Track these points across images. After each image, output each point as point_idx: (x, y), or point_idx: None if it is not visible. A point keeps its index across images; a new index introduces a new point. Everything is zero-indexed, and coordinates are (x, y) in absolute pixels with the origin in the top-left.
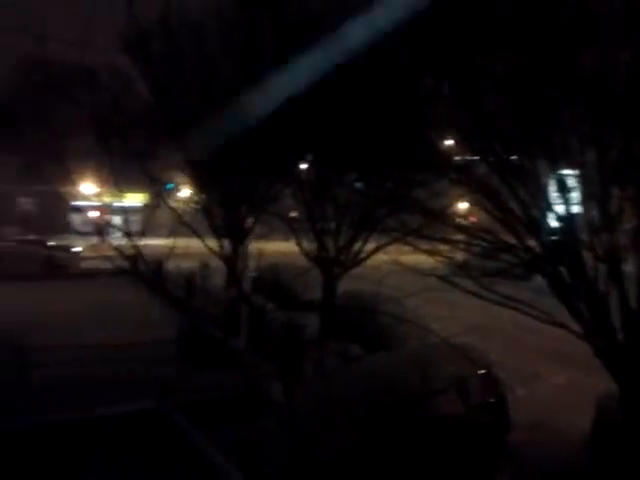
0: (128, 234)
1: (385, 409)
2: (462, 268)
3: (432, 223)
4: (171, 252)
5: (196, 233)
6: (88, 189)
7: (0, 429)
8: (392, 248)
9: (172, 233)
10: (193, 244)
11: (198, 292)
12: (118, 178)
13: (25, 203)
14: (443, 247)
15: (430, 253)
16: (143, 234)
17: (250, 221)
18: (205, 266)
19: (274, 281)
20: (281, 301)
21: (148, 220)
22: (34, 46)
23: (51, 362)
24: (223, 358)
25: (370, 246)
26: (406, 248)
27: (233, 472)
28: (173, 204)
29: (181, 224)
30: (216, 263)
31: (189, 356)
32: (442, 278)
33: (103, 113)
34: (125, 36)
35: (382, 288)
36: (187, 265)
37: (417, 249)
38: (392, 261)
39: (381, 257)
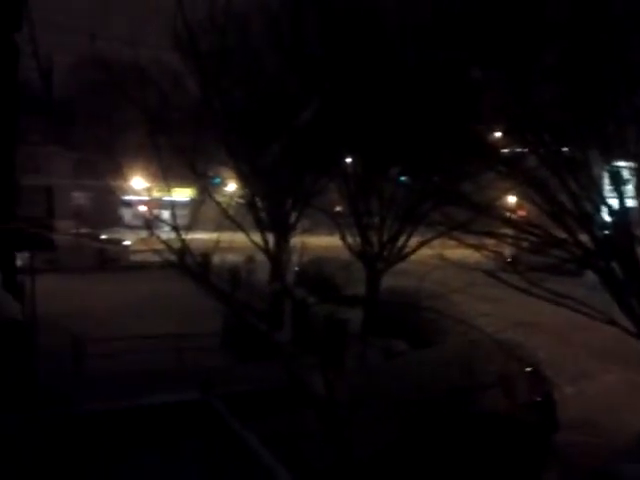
0: (176, 228)
1: (428, 405)
2: (509, 263)
3: (478, 217)
4: (217, 246)
5: (241, 227)
6: (138, 184)
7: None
8: (437, 243)
9: (218, 227)
10: (238, 238)
11: (243, 285)
12: (167, 173)
13: (79, 197)
14: (490, 242)
15: (476, 248)
16: (190, 228)
17: (294, 215)
18: (250, 260)
19: (317, 275)
20: (323, 295)
21: (195, 214)
22: (90, 45)
23: (103, 353)
24: (266, 351)
25: (414, 241)
26: (451, 243)
27: (277, 466)
28: (219, 199)
29: (227, 218)
30: (261, 257)
31: (233, 348)
32: (488, 273)
33: (153, 109)
34: (175, 32)
35: (426, 283)
36: (232, 259)
37: (463, 243)
38: (437, 256)
39: (425, 252)
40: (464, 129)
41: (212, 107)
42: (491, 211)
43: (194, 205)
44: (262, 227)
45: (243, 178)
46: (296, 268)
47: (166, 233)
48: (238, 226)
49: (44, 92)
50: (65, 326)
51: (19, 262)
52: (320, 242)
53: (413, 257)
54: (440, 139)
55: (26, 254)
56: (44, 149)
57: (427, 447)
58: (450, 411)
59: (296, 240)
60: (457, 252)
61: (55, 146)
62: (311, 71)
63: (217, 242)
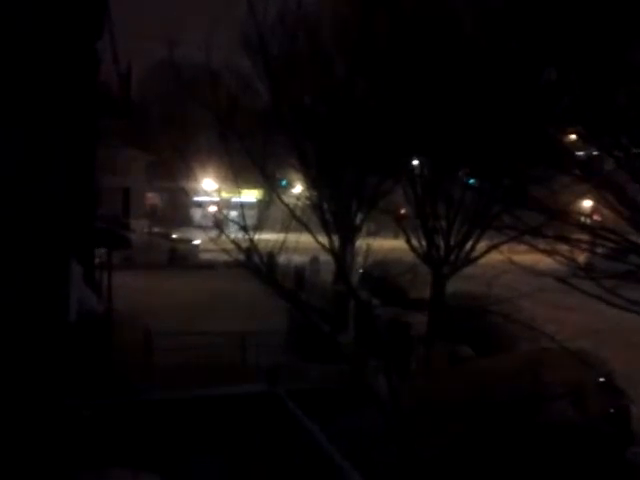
0: (245, 228)
1: (494, 412)
2: (584, 270)
3: (551, 221)
4: (283, 246)
5: (307, 228)
6: (208, 185)
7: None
8: (506, 247)
9: (284, 228)
10: (303, 239)
11: (307, 285)
12: (236, 175)
13: (152, 198)
14: (563, 247)
15: (549, 253)
16: (259, 228)
17: (359, 218)
18: (315, 261)
19: (381, 278)
20: (387, 298)
21: (263, 215)
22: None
23: (171, 347)
24: (330, 351)
25: (482, 245)
26: (521, 247)
27: (342, 460)
28: (286, 200)
29: (294, 219)
30: (325, 258)
31: (297, 347)
32: (560, 279)
33: (224, 112)
34: (245, 36)
35: (493, 288)
36: (297, 259)
37: (535, 248)
38: (505, 260)
39: (494, 257)
40: (537, 131)
41: (281, 110)
42: (565, 215)
43: (262, 206)
44: (327, 229)
45: (310, 180)
46: (360, 270)
47: (234, 233)
48: (305, 227)
49: (122, 96)
50: (137, 320)
51: (96, 259)
52: (384, 245)
53: (480, 261)
54: (512, 141)
55: (103, 251)
56: (121, 151)
57: (490, 454)
58: (517, 419)
59: (360, 242)
60: (527, 257)
61: (131, 148)
62: (380, 73)
63: (283, 242)
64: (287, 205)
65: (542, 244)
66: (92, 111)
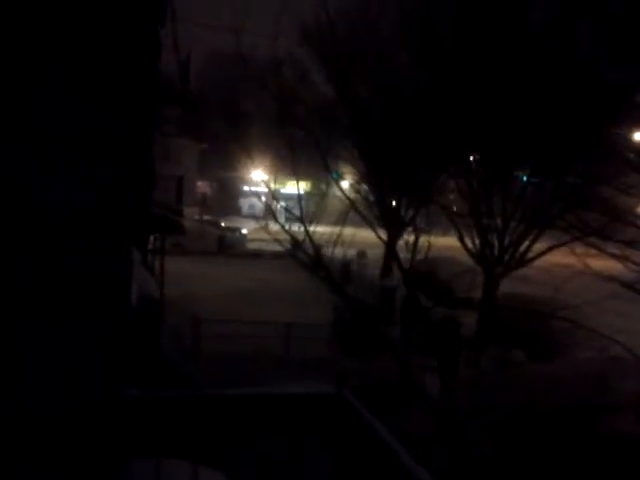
0: (300, 219)
1: (548, 419)
2: None
3: (616, 223)
4: (329, 238)
5: (367, 220)
6: (258, 176)
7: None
8: (564, 250)
9: (337, 220)
10: (349, 232)
11: (354, 279)
12: (288, 166)
13: (203, 186)
14: (632, 252)
15: (617, 257)
16: (313, 220)
17: (410, 213)
18: (362, 254)
19: (428, 275)
20: (435, 295)
21: (318, 207)
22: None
23: (218, 334)
24: (374, 346)
25: (538, 246)
26: (580, 250)
27: (415, 466)
28: (335, 193)
29: (348, 212)
30: (372, 252)
31: (342, 340)
32: (627, 285)
33: (284, 103)
34: (306, 28)
35: (549, 291)
36: (344, 252)
37: (601, 251)
38: (562, 264)
39: (550, 258)
40: (605, 128)
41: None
42: (632, 217)
43: (318, 198)
44: (377, 222)
45: (362, 173)
46: (406, 266)
47: (281, 224)
48: (363, 218)
49: (181, 84)
50: (186, 306)
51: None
52: (433, 242)
53: (535, 264)
54: (576, 138)
55: (155, 236)
56: (175, 139)
57: (545, 462)
58: (577, 428)
59: (408, 238)
60: (596, 262)
61: (184, 137)
62: (443, 66)
63: (339, 235)
64: (349, 198)
65: (609, 247)
66: (153, 97)
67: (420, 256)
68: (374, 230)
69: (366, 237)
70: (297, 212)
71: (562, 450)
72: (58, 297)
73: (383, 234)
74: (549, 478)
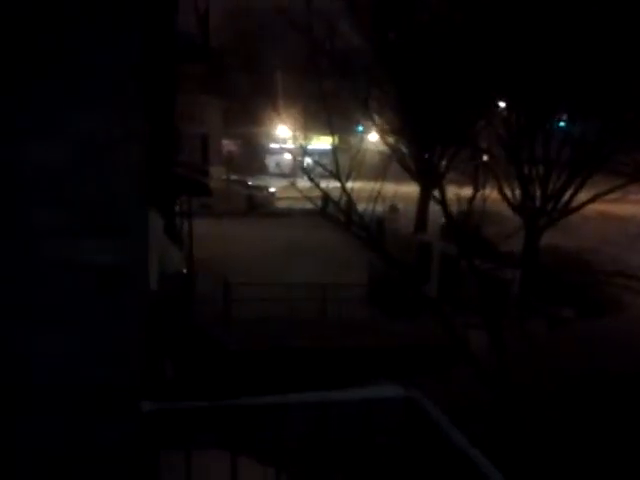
0: (336, 176)
1: (603, 382)
2: None
3: None
4: (362, 194)
5: (410, 171)
6: (283, 132)
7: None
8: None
9: (366, 175)
10: (387, 187)
11: (387, 235)
12: (315, 120)
13: (228, 145)
14: None
15: None
16: (349, 176)
17: (443, 164)
18: (394, 209)
19: (467, 228)
20: (474, 250)
21: (356, 162)
22: None
23: (251, 297)
24: (414, 306)
25: (582, 196)
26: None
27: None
28: (362, 147)
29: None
30: (405, 207)
31: (379, 301)
32: None
33: (314, 50)
34: None
35: (594, 243)
36: (378, 207)
37: None
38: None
39: (592, 208)
40: None
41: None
42: None
43: (353, 153)
44: (410, 176)
45: (391, 125)
46: (442, 220)
47: (310, 181)
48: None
49: (201, 39)
50: (216, 269)
51: (176, 206)
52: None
53: (581, 213)
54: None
55: (183, 198)
56: (198, 97)
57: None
58: (627, 391)
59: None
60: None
61: (207, 95)
62: (478, 7)
63: (371, 191)
64: (392, 148)
65: None
66: (173, 54)
67: (455, 209)
68: (421, 185)
69: (399, 191)
70: (328, 168)
71: (625, 421)
72: (48, 294)
73: (417, 187)
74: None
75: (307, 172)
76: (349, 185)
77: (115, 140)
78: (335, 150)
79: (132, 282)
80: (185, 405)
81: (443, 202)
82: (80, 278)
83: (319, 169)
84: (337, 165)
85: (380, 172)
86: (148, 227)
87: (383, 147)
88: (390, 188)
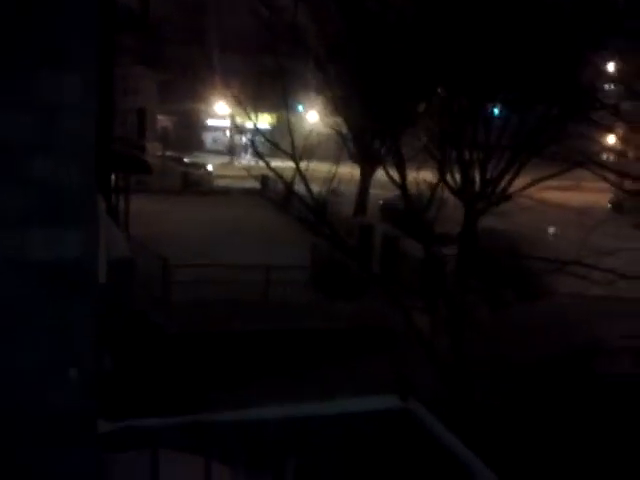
0: (258, 155)
1: (548, 366)
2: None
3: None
4: (298, 175)
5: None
6: (221, 109)
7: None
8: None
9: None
10: (321, 168)
11: (329, 217)
12: (254, 97)
13: (163, 120)
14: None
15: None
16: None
17: (383, 148)
18: (333, 192)
19: (404, 210)
20: (410, 231)
21: (305, 142)
22: None
23: (189, 280)
24: (356, 287)
25: (521, 182)
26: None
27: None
28: (302, 127)
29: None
30: (345, 189)
31: (322, 283)
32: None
33: (250, 31)
34: None
35: (535, 230)
36: (315, 189)
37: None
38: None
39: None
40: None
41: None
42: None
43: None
44: (351, 158)
45: (332, 106)
46: (380, 202)
47: (247, 160)
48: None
49: (139, 11)
50: (153, 249)
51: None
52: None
53: (519, 200)
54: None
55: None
56: (133, 69)
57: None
58: (570, 373)
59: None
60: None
61: (142, 67)
62: None
63: (299, 171)
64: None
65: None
66: (109, 23)
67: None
68: (386, 169)
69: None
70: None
71: (565, 399)
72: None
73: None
74: (554, 427)
75: (257, 151)
76: (290, 165)
77: (65, 109)
78: (290, 128)
79: (84, 281)
80: (149, 423)
81: (403, 186)
82: (24, 277)
83: (260, 148)
84: (293, 145)
85: (322, 153)
86: (98, 214)
87: (323, 127)
88: (326, 169)
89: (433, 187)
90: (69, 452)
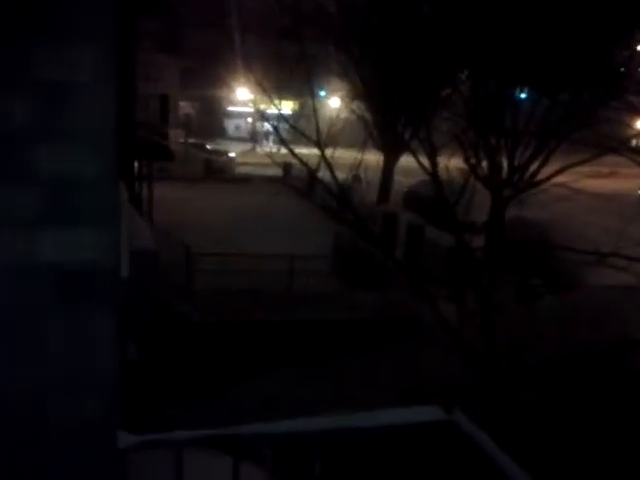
0: (282, 142)
1: (578, 358)
2: None
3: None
4: (323, 162)
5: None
6: (243, 95)
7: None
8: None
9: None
10: (346, 155)
11: (351, 205)
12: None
13: (185, 107)
14: None
15: None
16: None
17: (408, 133)
18: (357, 178)
19: (429, 198)
20: (435, 220)
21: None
22: None
23: (213, 269)
24: (380, 277)
25: (551, 169)
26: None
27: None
28: (325, 113)
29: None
30: (368, 176)
31: (345, 273)
32: None
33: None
34: None
35: (566, 218)
36: (340, 176)
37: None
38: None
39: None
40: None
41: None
42: None
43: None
44: (374, 144)
45: (356, 91)
46: (404, 189)
47: (271, 147)
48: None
49: None
50: (176, 237)
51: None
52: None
53: (549, 188)
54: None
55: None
56: (155, 56)
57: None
58: (602, 365)
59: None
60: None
61: (164, 54)
62: None
63: (323, 158)
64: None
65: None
66: (128, 8)
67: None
68: (416, 156)
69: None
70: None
71: (594, 393)
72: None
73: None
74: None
75: (281, 138)
76: (315, 152)
77: (77, 90)
78: (315, 114)
79: (103, 287)
80: (175, 436)
81: (434, 173)
82: (35, 284)
83: (283, 134)
84: (317, 131)
85: (348, 140)
86: (121, 211)
87: (347, 113)
88: (352, 156)
89: (466, 175)
90: (89, 468)
